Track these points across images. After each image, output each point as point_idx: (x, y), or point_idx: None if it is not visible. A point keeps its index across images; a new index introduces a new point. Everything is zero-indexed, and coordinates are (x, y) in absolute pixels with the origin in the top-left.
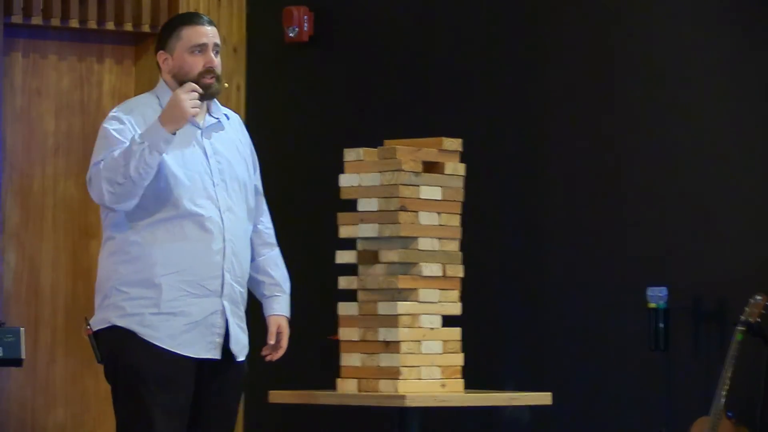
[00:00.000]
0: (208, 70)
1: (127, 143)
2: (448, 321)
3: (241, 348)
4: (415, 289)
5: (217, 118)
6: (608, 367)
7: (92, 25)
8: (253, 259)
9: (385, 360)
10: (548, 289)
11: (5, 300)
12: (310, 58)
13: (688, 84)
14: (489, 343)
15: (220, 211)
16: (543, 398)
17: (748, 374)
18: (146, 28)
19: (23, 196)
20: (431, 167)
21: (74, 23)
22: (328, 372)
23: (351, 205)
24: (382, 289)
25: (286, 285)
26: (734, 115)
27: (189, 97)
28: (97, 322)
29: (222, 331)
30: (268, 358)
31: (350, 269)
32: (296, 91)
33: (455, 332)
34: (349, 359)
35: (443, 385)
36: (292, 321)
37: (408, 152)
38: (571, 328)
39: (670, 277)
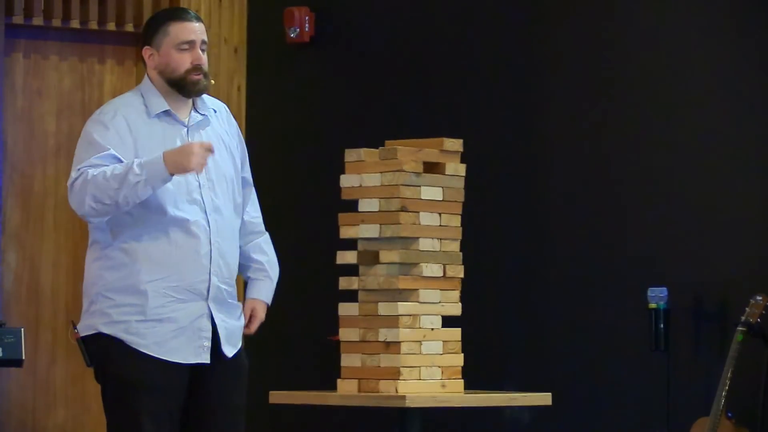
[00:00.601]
0: (196, 68)
1: (113, 153)
2: (448, 321)
3: (232, 345)
4: (416, 289)
5: (204, 114)
6: (608, 368)
7: (93, 25)
8: (240, 248)
9: (385, 360)
10: (548, 290)
11: (6, 300)
12: (311, 58)
13: (689, 84)
14: (489, 343)
15: (206, 213)
16: (543, 399)
17: (749, 375)
18: None
19: (24, 196)
20: (432, 168)
21: (75, 24)
22: (328, 372)
23: (352, 206)
24: (383, 290)
25: (273, 271)
26: (734, 116)
27: (201, 155)
28: (84, 328)
29: (209, 334)
30: None
31: (351, 269)
32: (297, 91)
33: (455, 333)
34: (350, 360)
35: (443, 386)
36: (292, 321)
37: (409, 153)
38: (572, 329)
39: (671, 278)
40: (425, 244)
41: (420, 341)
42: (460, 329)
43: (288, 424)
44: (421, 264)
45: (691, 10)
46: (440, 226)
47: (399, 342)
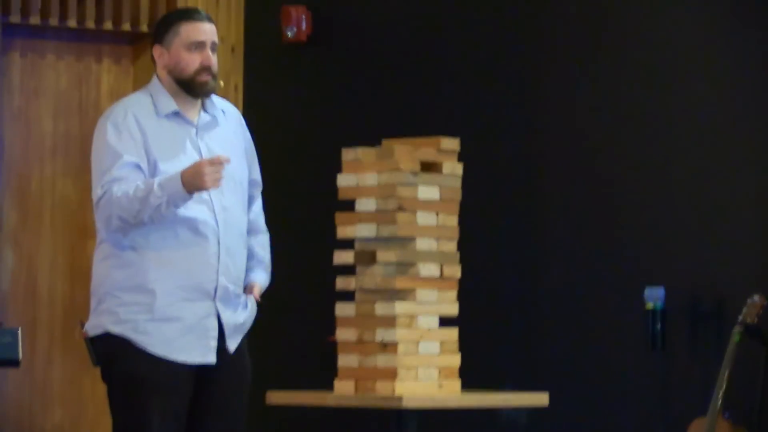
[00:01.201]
0: (205, 68)
1: (130, 160)
2: (445, 321)
3: (236, 339)
4: (413, 289)
5: (212, 115)
6: (605, 368)
7: (90, 25)
8: None
9: (382, 361)
10: (545, 290)
11: (2, 301)
12: (308, 57)
13: (687, 84)
14: (486, 343)
15: (214, 213)
16: (540, 399)
17: (746, 375)
18: (144, 28)
19: (21, 196)
20: (429, 167)
21: (72, 23)
22: (326, 373)
23: (349, 205)
24: (380, 290)
25: (267, 266)
26: (732, 116)
27: (212, 171)
28: (92, 327)
29: (216, 333)
30: None
31: (348, 269)
32: (294, 90)
33: (452, 333)
34: (347, 360)
35: (440, 386)
36: (290, 321)
37: (406, 152)
38: (569, 329)
39: (668, 278)
40: (422, 243)
41: (417, 341)
42: (457, 329)
43: (285, 424)
44: (418, 264)
45: (691, 10)
46: (437, 225)
47: (396, 342)
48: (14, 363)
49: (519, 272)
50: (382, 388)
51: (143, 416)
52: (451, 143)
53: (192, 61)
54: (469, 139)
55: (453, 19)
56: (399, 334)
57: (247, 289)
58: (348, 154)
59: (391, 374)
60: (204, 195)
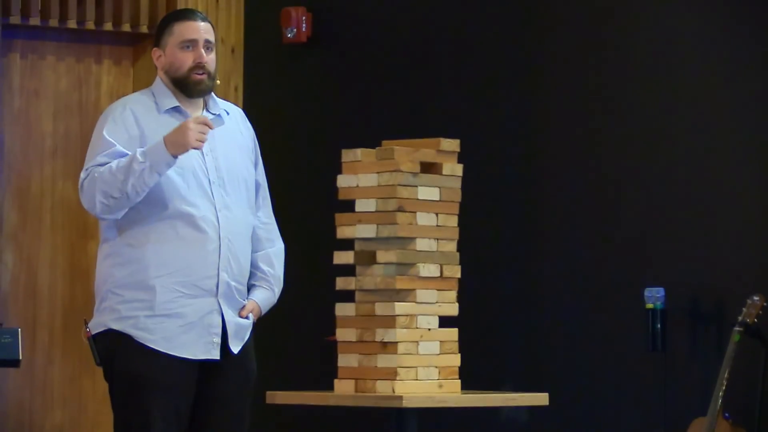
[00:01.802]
0: (198, 66)
1: (120, 150)
2: (445, 322)
3: (239, 340)
4: (413, 289)
5: (216, 114)
6: (605, 368)
7: (90, 25)
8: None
9: (382, 361)
10: (545, 290)
11: (3, 301)
12: (308, 58)
13: (687, 84)
14: (486, 343)
15: (215, 209)
16: (540, 399)
17: (746, 375)
18: (144, 29)
19: (21, 197)
20: (429, 168)
21: (72, 24)
22: (326, 373)
23: (349, 206)
24: (380, 290)
25: (276, 285)
26: (732, 116)
27: (198, 129)
28: (95, 326)
29: (219, 330)
30: None
31: (348, 270)
32: (294, 91)
33: (452, 333)
34: (347, 360)
35: (440, 386)
36: (290, 321)
37: (406, 153)
38: (568, 329)
39: (668, 278)
40: (422, 244)
41: (417, 341)
42: (457, 329)
43: (285, 424)
44: (418, 264)
45: (691, 10)
46: (437, 226)
47: (396, 342)
48: (14, 363)
49: (519, 272)
50: (382, 387)
51: (144, 413)
52: (451, 144)
53: (185, 60)
54: (469, 139)
55: (453, 20)
56: (399, 334)
57: (242, 309)
58: (348, 155)
59: (391, 374)
60: (205, 191)
